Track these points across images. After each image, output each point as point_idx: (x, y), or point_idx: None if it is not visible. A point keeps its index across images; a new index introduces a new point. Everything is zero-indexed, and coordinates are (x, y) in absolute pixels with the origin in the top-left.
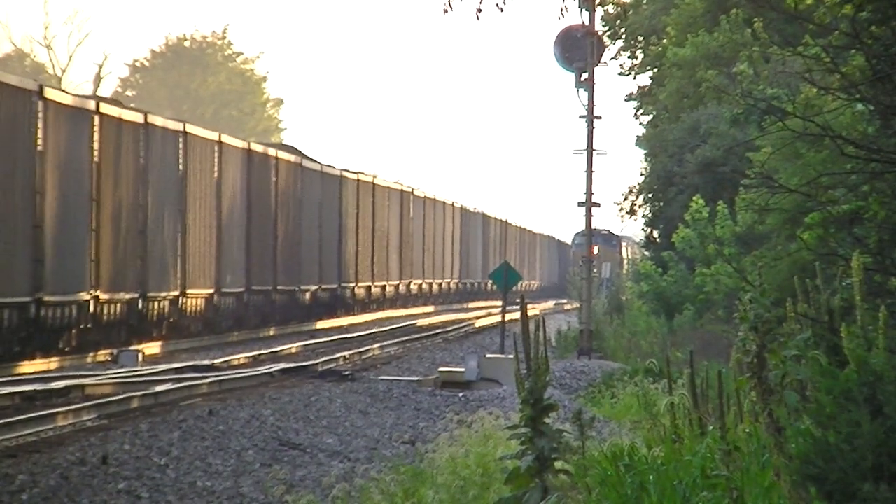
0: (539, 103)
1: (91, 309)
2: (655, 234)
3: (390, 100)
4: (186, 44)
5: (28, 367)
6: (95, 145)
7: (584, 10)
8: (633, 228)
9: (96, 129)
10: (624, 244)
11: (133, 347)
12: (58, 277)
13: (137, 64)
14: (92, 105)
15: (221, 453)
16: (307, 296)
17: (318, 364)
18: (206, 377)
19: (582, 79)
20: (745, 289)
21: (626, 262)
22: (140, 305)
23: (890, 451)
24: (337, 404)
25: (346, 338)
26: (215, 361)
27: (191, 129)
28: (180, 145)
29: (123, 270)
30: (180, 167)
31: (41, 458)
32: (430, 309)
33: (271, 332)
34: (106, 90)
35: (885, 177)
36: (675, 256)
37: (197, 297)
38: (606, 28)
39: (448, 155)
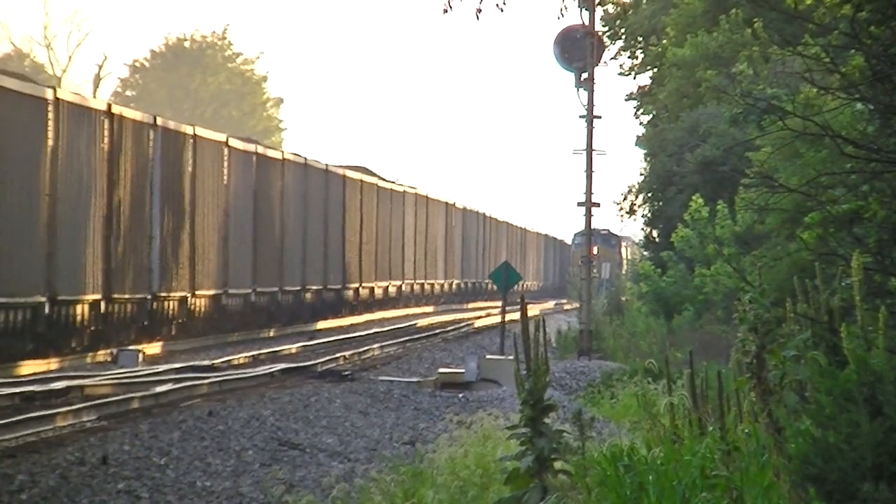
0: (539, 103)
1: (223, 301)
2: (655, 233)
3: (390, 99)
4: (186, 44)
5: (28, 367)
6: (225, 171)
7: (583, 10)
8: (633, 228)
9: (226, 159)
10: (624, 244)
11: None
12: (216, 277)
13: (137, 64)
14: (223, 138)
15: (221, 453)
16: (379, 291)
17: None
18: (207, 377)
19: (582, 79)
20: (745, 289)
21: (625, 262)
22: (253, 298)
23: (889, 452)
24: (336, 404)
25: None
26: (215, 362)
27: (310, 161)
28: (306, 175)
29: (241, 270)
30: (303, 193)
31: (41, 458)
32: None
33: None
34: (106, 91)
35: (885, 176)
36: (674, 256)
37: (289, 294)
38: (606, 28)
39: (448, 154)
